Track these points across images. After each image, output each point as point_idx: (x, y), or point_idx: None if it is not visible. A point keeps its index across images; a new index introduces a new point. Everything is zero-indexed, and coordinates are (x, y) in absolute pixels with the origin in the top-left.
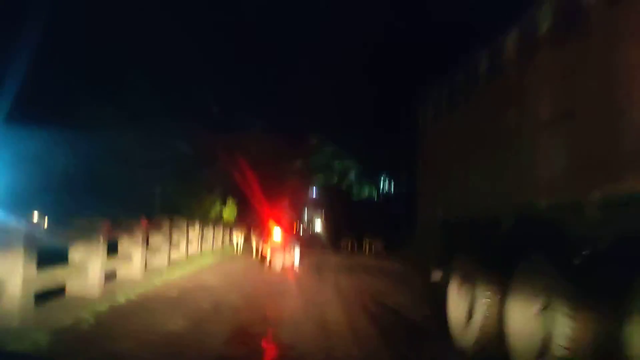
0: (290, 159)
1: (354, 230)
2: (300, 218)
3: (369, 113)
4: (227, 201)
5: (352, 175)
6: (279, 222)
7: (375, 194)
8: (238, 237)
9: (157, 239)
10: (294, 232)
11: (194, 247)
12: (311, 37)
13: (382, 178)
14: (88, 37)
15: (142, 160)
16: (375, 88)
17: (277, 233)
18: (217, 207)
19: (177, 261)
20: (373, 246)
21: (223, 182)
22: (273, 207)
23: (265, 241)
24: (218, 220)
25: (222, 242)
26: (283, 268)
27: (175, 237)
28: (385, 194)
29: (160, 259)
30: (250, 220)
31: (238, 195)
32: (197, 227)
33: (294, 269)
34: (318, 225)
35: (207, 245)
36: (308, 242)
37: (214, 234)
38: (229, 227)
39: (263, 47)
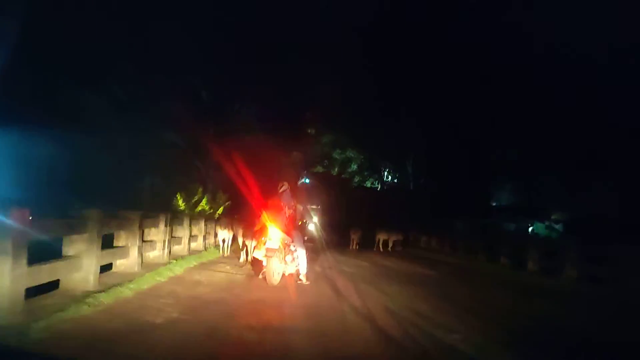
0: (288, 147)
1: (362, 225)
2: (300, 212)
3: (372, 99)
4: (217, 194)
5: (354, 166)
6: (276, 216)
7: (378, 185)
8: (224, 236)
9: (76, 245)
10: (296, 228)
11: (156, 252)
12: (310, 16)
13: (385, 167)
14: (68, 20)
15: (127, 151)
16: (379, 72)
17: (274, 231)
18: (204, 200)
19: (119, 276)
20: (390, 243)
21: (213, 173)
22: (269, 200)
23: (258, 240)
24: (203, 215)
25: (205, 242)
26: (283, 279)
27: (122, 238)
28: (391, 184)
29: (80, 277)
30: (241, 214)
31: (230, 188)
32: (162, 224)
33: (299, 281)
34: (318, 219)
35: (181, 247)
36: (309, 240)
37: (190, 232)
38: (216, 222)
39: (258, 28)
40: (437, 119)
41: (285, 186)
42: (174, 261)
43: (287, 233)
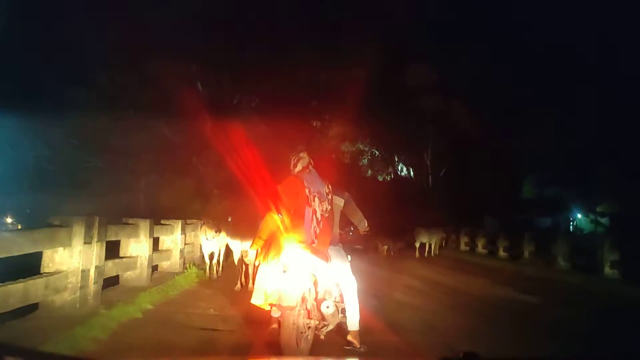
0: (293, 141)
1: (388, 224)
2: (340, 208)
3: (383, 85)
4: (213, 191)
5: (364, 160)
6: (296, 219)
7: (391, 177)
8: (212, 248)
9: None
10: (336, 242)
11: (67, 294)
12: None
13: (399, 161)
14: (54, 11)
15: (119, 149)
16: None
17: (293, 251)
18: (195, 201)
19: None
20: (432, 245)
21: (211, 170)
22: (282, 184)
23: (264, 258)
24: (193, 217)
25: (184, 259)
26: (315, 345)
27: None
28: (406, 177)
29: None
30: (238, 216)
31: (229, 187)
32: (77, 239)
33: (348, 345)
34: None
35: (135, 273)
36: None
37: (152, 247)
38: (202, 228)
39: (259, 13)
40: (461, 102)
41: (305, 160)
42: (104, 311)
43: (321, 252)
